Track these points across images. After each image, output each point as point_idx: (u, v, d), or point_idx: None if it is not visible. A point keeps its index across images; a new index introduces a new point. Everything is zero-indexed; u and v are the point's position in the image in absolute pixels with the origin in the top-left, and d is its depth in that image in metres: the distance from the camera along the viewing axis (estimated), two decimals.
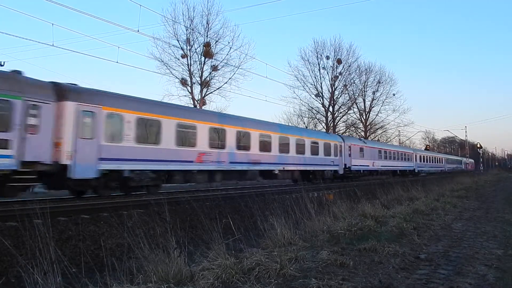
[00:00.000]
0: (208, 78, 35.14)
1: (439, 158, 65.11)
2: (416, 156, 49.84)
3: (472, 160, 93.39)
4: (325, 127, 50.57)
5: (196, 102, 34.44)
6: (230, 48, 34.34)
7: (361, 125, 56.21)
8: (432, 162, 58.63)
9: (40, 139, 11.71)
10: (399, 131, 60.82)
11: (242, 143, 20.17)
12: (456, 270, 5.22)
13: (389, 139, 59.77)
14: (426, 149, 73.79)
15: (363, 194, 13.44)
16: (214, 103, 60.71)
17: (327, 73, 50.97)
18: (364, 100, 55.63)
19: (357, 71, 52.73)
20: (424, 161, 53.67)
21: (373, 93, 55.61)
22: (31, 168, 11.41)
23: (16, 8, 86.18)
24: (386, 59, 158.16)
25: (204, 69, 34.93)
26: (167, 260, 4.66)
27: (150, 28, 78.67)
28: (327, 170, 27.95)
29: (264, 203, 9.70)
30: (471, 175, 43.61)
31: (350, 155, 31.26)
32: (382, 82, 55.45)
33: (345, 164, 30.39)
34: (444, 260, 5.78)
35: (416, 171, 48.20)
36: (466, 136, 74.84)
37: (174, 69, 34.40)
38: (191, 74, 34.60)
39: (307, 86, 50.08)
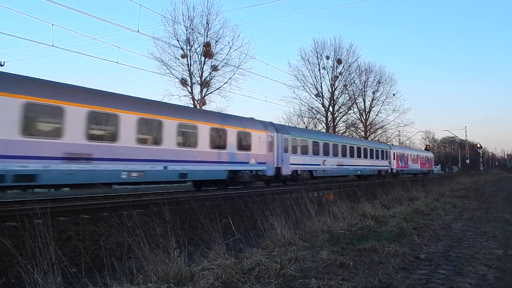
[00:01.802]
0: (208, 78, 35.18)
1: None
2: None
3: (430, 154, 62.41)
4: (325, 127, 50.59)
5: (196, 102, 34.46)
6: (230, 48, 34.45)
7: (361, 125, 56.26)
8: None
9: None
10: (399, 131, 60.90)
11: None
12: (456, 270, 5.22)
13: (389, 139, 59.80)
14: (426, 149, 73.29)
15: (363, 194, 13.42)
16: (214, 103, 60.72)
17: (327, 73, 51.07)
18: (364, 100, 55.71)
19: (357, 71, 52.83)
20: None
21: (373, 93, 55.69)
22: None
23: (16, 8, 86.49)
24: (386, 59, 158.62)
25: (204, 69, 35.01)
26: (167, 260, 4.65)
27: (150, 28, 78.87)
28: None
29: (264, 203, 9.68)
30: (471, 176, 41.28)
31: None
32: (382, 82, 55.52)
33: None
34: (444, 260, 5.77)
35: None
36: (466, 136, 74.87)
37: (174, 69, 34.48)
38: (191, 74, 34.62)
39: (307, 86, 50.19)
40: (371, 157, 35.88)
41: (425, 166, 55.56)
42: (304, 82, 50.00)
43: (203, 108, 33.78)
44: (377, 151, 37.59)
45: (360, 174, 33.88)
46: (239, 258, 5.06)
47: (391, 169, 40.49)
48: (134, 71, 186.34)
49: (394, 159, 41.48)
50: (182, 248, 4.95)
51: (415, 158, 50.79)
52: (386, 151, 40.03)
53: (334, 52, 50.78)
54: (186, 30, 33.96)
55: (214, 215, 8.21)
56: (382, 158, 38.67)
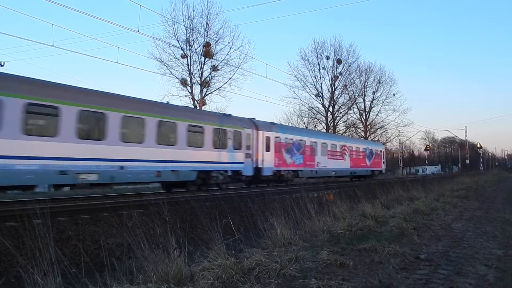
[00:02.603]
0: (208, 78, 35.26)
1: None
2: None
3: (379, 147, 41.02)
4: (325, 127, 50.63)
5: (196, 102, 34.48)
6: (230, 48, 34.51)
7: (361, 125, 56.31)
8: None
9: None
10: (399, 131, 60.83)
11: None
12: (456, 270, 5.22)
13: (389, 139, 59.81)
14: (426, 149, 73.19)
15: (363, 194, 13.42)
16: (214, 103, 60.69)
17: (327, 73, 51.20)
18: (364, 100, 55.79)
19: (357, 71, 52.97)
20: None
21: (373, 93, 55.80)
22: None
23: (16, 8, 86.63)
24: (386, 59, 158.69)
25: (204, 69, 35.10)
26: (167, 260, 4.65)
27: (150, 28, 78.81)
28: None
29: (264, 203, 9.68)
30: (471, 176, 41.36)
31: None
32: (382, 82, 55.57)
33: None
34: (444, 260, 5.77)
35: None
36: (466, 136, 74.86)
37: (174, 69, 34.59)
38: (191, 74, 34.68)
39: (307, 86, 50.30)
40: (173, 143, 17.05)
41: (364, 164, 35.02)
42: (304, 82, 50.15)
43: (203, 108, 33.82)
44: (197, 128, 18.36)
45: (116, 182, 15.00)
46: (239, 258, 5.05)
47: (255, 168, 22.05)
48: (134, 71, 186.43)
49: (267, 149, 22.91)
50: (182, 248, 4.95)
51: (338, 150, 30.46)
52: (240, 133, 21.12)
53: (334, 52, 51.00)
54: (186, 30, 34.06)
55: (214, 215, 8.21)
56: (222, 147, 19.63)
